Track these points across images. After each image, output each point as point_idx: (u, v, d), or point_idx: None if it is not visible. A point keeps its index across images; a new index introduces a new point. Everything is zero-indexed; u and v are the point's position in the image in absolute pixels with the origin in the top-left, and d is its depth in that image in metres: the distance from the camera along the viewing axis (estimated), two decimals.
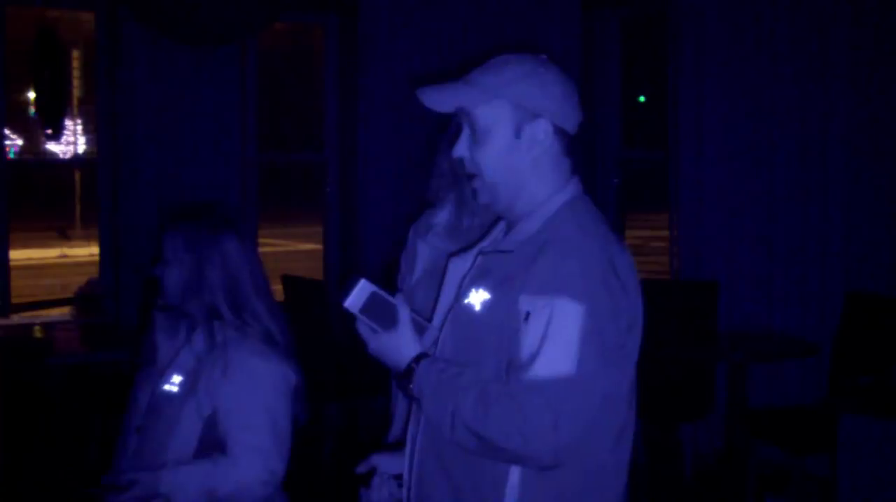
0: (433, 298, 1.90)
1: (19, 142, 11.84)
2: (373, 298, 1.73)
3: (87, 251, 9.92)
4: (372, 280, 1.75)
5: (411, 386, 1.71)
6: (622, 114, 5.92)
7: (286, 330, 2.33)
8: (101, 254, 5.41)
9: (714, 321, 4.79)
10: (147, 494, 2.10)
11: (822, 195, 4.83)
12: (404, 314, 1.75)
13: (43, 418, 4.49)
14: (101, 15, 5.27)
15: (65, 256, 13.18)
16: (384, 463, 2.00)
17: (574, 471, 1.66)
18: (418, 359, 1.72)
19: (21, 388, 4.44)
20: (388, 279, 2.41)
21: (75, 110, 12.73)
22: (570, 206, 1.75)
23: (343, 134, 5.88)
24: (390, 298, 1.76)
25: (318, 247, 6.28)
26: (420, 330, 1.77)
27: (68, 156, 12.67)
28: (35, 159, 13.26)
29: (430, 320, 1.83)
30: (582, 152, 6.36)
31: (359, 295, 1.73)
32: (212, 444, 2.19)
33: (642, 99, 7.45)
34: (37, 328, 5.19)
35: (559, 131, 1.75)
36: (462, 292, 1.76)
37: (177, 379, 2.23)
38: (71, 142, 12.71)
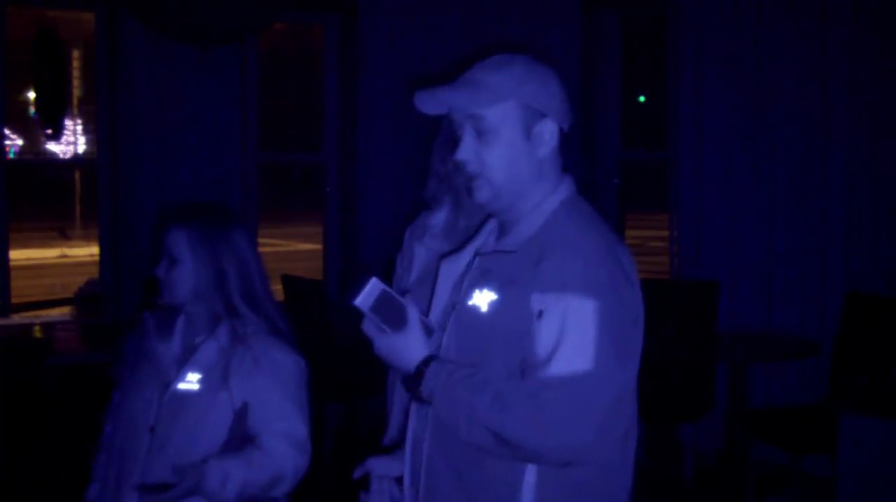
0: (428, 299, 1.89)
1: (19, 142, 11.83)
2: (383, 297, 1.72)
3: (87, 251, 9.91)
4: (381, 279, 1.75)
5: (421, 387, 1.70)
6: (622, 114, 5.92)
7: (289, 324, 2.34)
8: (101, 254, 5.40)
9: (714, 321, 4.78)
10: (191, 489, 2.06)
11: (822, 195, 4.83)
12: (413, 315, 1.74)
13: (43, 418, 4.48)
14: (101, 15, 5.26)
15: (65, 256, 13.15)
16: (381, 466, 1.97)
17: (588, 470, 1.66)
18: (427, 361, 1.71)
19: (21, 388, 4.44)
20: (387, 279, 2.40)
21: (75, 110, 12.69)
22: (567, 204, 1.75)
23: (343, 134, 5.87)
24: (400, 298, 1.75)
25: (318, 247, 6.28)
26: (428, 332, 1.76)
27: (68, 156, 12.66)
28: (35, 159, 13.25)
29: None
30: (582, 152, 6.33)
31: (369, 293, 1.72)
32: (239, 437, 2.19)
33: (642, 99, 7.45)
34: (37, 328, 5.18)
35: (560, 130, 1.76)
36: (464, 294, 1.75)
37: (193, 376, 2.22)
38: (71, 142, 12.69)
